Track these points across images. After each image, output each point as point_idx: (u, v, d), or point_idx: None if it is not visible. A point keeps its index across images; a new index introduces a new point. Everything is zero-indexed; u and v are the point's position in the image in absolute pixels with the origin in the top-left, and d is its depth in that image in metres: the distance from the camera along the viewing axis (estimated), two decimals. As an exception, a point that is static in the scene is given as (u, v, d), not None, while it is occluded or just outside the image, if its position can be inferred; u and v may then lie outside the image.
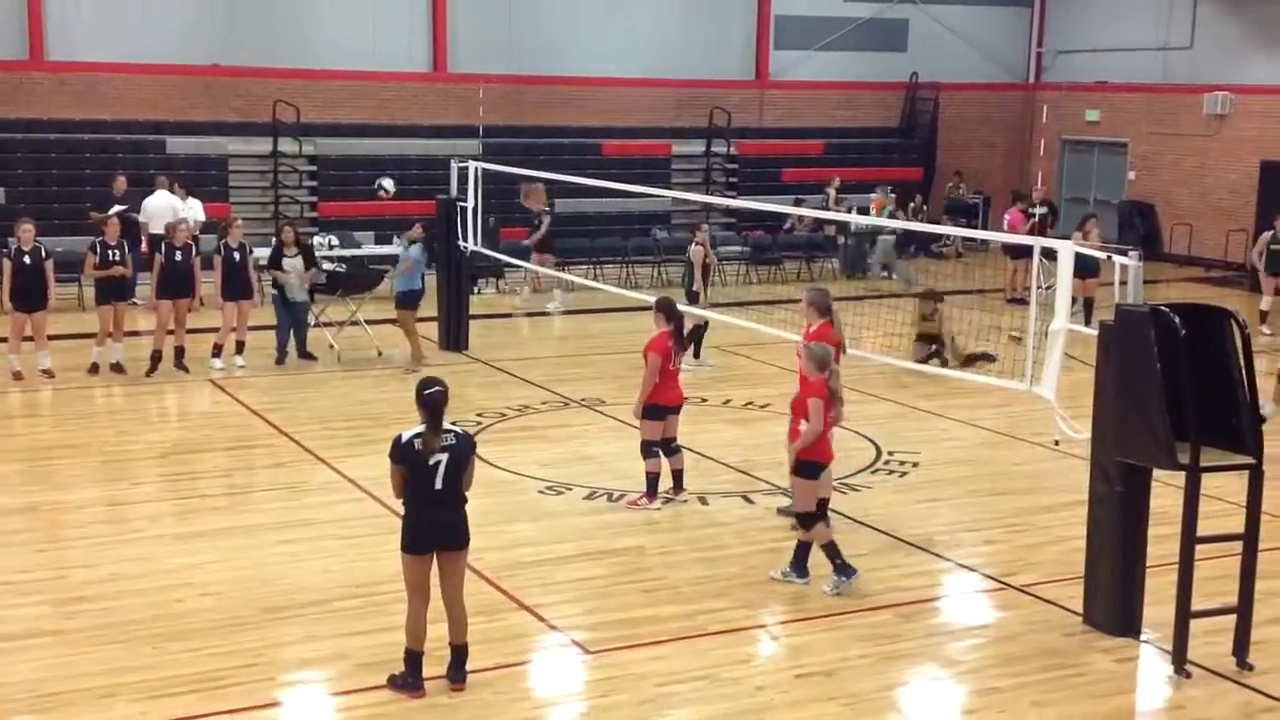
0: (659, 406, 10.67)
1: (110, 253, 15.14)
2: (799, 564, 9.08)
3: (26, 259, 14.58)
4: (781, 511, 10.40)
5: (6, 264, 14.65)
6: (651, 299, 15.02)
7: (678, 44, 26.47)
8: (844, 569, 8.94)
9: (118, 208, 18.47)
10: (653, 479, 10.70)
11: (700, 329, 15.35)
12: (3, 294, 14.64)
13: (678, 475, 10.88)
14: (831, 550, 8.94)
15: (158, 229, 16.90)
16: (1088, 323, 14.92)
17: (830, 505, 10.05)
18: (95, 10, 22.50)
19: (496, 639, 8.06)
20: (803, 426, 8.88)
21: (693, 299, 15.44)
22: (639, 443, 10.78)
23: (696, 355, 15.65)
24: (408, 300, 15.65)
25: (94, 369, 15.09)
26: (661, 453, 10.70)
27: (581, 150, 24.91)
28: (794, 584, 9.04)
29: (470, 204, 16.69)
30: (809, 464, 8.91)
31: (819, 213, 21.92)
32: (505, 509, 10.52)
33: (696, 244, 15.88)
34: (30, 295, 14.58)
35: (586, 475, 11.29)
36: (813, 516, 8.98)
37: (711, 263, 16.09)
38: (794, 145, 27.13)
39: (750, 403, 14.16)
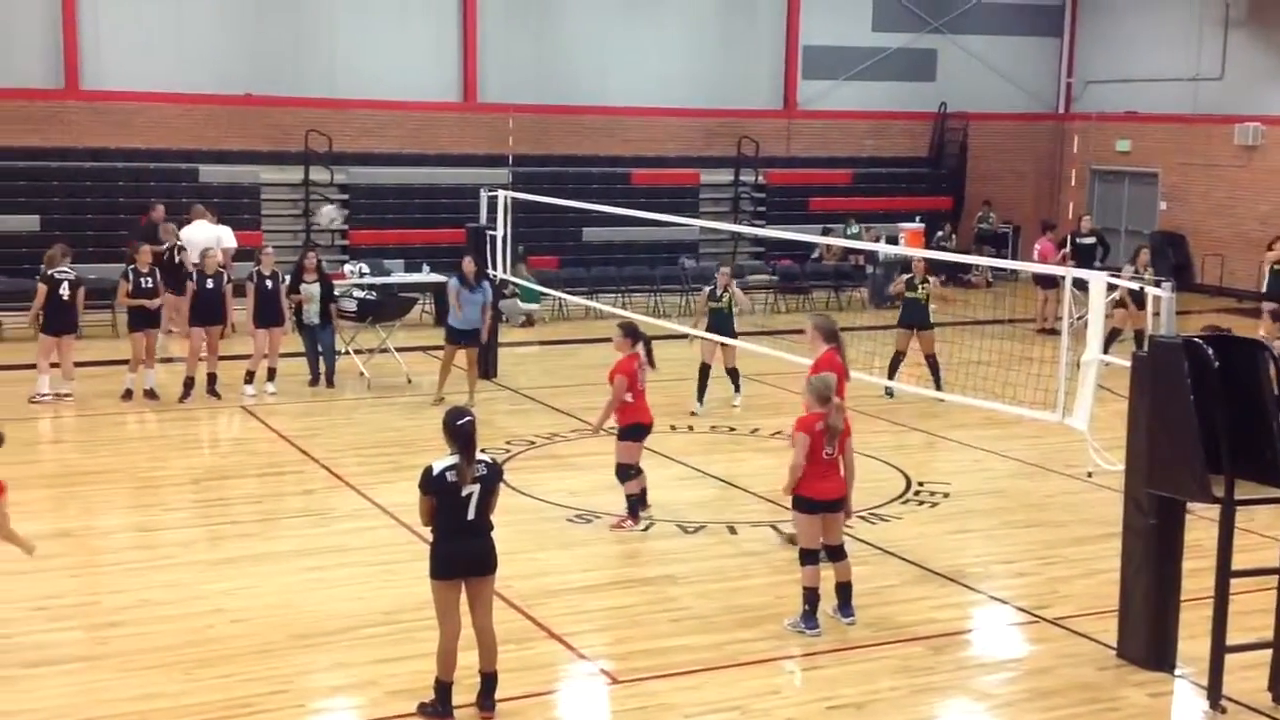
0: (641, 426, 10.80)
1: (143, 280, 15.28)
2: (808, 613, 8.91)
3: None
4: (778, 531, 10.50)
5: (41, 288, 14.84)
6: (680, 328, 15.16)
7: (706, 74, 26.57)
8: (810, 618, 8.69)
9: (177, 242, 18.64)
10: (634, 500, 10.87)
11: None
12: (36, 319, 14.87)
13: (644, 494, 11.02)
14: (811, 596, 8.71)
15: (195, 258, 17.02)
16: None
17: (848, 539, 9.99)
18: (130, 40, 22.76)
19: (525, 667, 8.05)
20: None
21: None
22: (615, 466, 10.89)
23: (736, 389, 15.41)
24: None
25: (127, 395, 15.20)
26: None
27: (610, 179, 25.04)
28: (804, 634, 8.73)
29: (499, 232, 16.76)
30: (798, 498, 8.75)
31: (847, 241, 21.91)
32: (534, 537, 10.52)
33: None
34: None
35: (615, 504, 11.26)
36: (804, 554, 8.79)
37: (725, 303, 14.92)
38: (822, 175, 27.17)
39: (778, 432, 14.10)
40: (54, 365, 15.01)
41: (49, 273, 14.92)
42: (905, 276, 16.34)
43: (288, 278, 15.98)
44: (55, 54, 22.40)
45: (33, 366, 15.18)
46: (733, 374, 15.15)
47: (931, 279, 16.21)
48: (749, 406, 15.34)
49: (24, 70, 22.21)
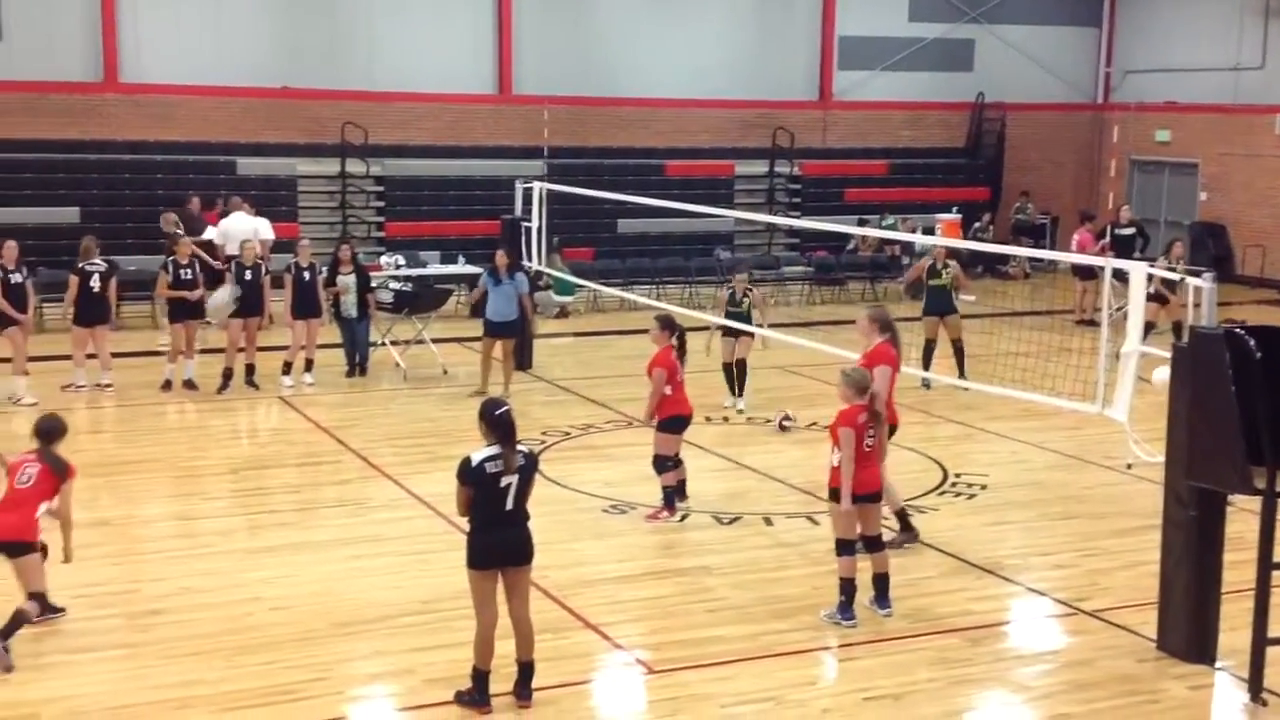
0: (680, 418, 10.80)
1: (183, 272, 15.40)
2: (879, 597, 8.89)
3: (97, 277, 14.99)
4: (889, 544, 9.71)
5: (73, 280, 15.00)
6: (716, 320, 15.11)
7: (741, 65, 26.52)
8: (847, 609, 8.67)
9: (211, 233, 18.85)
10: (669, 492, 10.87)
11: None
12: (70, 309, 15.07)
13: (682, 485, 11.05)
14: (847, 587, 8.69)
15: (234, 250, 17.18)
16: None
17: (885, 530, 9.93)
18: (168, 33, 22.93)
19: (561, 656, 8.08)
20: (834, 457, 8.68)
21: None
22: (653, 457, 10.88)
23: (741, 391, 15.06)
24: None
25: (166, 386, 15.35)
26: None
27: (645, 171, 25.04)
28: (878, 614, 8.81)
29: (534, 224, 16.79)
30: (835, 490, 8.70)
31: (883, 232, 21.83)
32: (570, 527, 10.55)
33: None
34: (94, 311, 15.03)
35: (650, 494, 11.27)
36: (841, 545, 8.75)
37: (744, 308, 14.62)
38: (858, 165, 27.09)
39: (814, 423, 14.06)
40: (91, 356, 15.17)
41: (80, 265, 15.07)
42: (926, 262, 16.25)
43: (325, 269, 16.08)
44: (95, 47, 22.59)
45: (70, 357, 15.35)
46: (740, 368, 14.84)
47: (952, 263, 16.10)
48: (784, 399, 15.27)
49: (64, 64, 22.41)
